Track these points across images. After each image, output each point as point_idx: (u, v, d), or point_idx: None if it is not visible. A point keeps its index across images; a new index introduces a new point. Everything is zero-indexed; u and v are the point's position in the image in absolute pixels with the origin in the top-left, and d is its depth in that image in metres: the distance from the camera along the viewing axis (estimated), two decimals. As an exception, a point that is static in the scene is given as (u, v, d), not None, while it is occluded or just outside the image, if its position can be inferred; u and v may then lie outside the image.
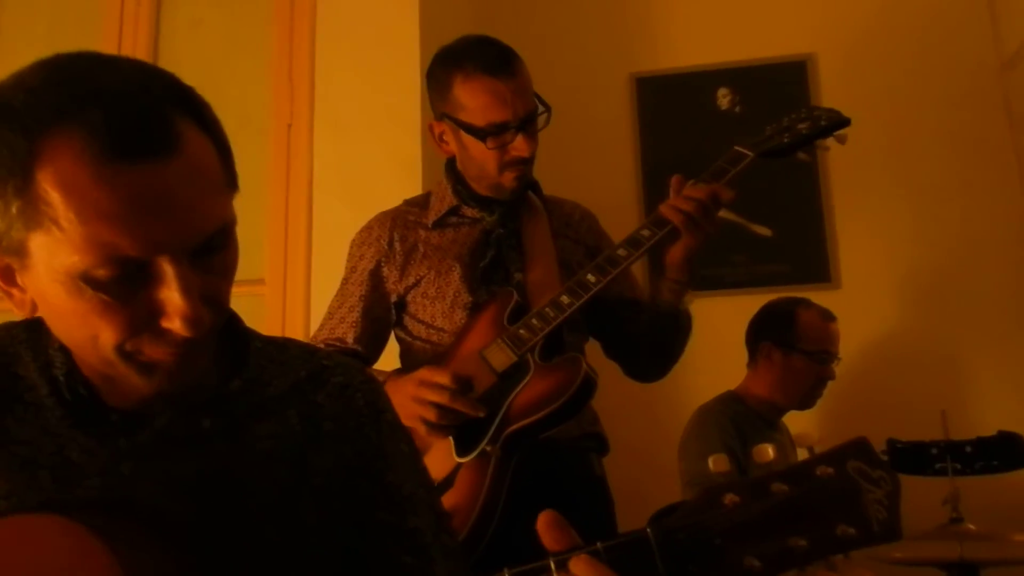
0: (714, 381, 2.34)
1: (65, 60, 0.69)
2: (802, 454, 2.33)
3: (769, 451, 0.68)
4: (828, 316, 2.29)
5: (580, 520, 0.72)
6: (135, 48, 2.39)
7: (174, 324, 0.68)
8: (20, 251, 0.68)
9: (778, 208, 2.76)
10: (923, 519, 2.00)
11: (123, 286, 0.67)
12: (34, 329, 0.81)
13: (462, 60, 1.58)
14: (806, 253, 2.76)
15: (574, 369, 1.42)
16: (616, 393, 1.77)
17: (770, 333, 2.28)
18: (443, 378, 1.42)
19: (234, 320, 0.85)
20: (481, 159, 1.59)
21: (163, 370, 0.71)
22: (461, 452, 1.42)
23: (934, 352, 2.64)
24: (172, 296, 0.68)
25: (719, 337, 2.39)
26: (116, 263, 0.66)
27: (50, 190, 0.64)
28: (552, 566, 0.65)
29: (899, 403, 2.52)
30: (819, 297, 2.36)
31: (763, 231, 2.77)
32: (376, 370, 1.59)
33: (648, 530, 0.64)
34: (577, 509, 0.80)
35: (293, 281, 2.25)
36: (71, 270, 0.66)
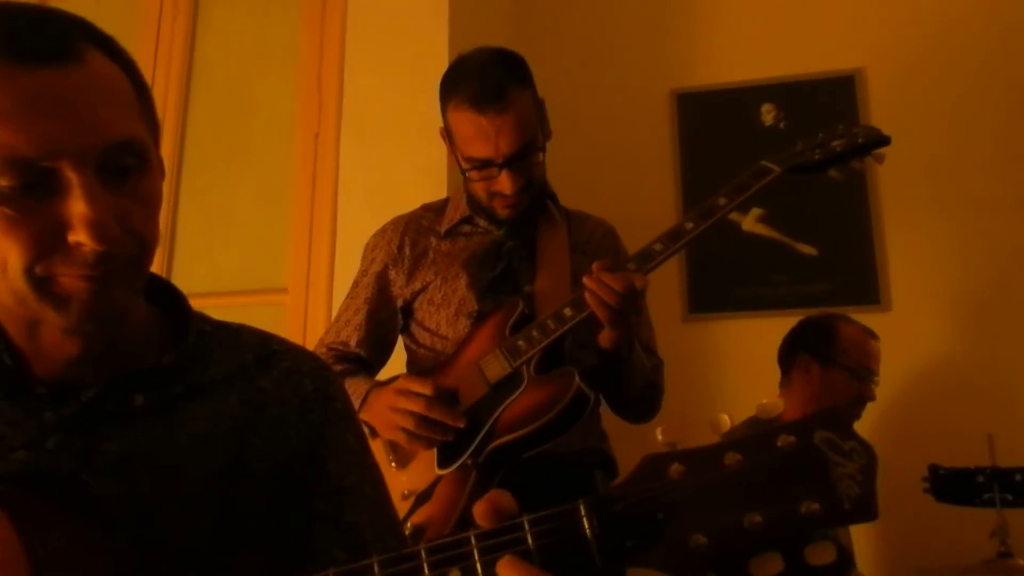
0: (752, 405, 2.21)
1: None
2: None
3: (726, 420, 0.60)
4: (871, 333, 2.17)
5: None
6: (171, 55, 2.44)
7: (80, 235, 0.65)
8: None
9: (822, 226, 2.63)
10: (968, 553, 1.85)
11: (26, 196, 0.65)
12: None
13: (457, 84, 1.51)
14: (852, 273, 2.61)
15: (565, 383, 1.35)
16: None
17: (809, 346, 2.16)
18: (421, 387, 1.37)
19: (179, 299, 0.84)
20: (470, 185, 1.55)
21: (78, 302, 0.68)
22: (442, 464, 1.37)
23: (981, 374, 2.46)
24: (76, 204, 0.65)
25: (757, 360, 2.29)
26: (16, 167, 0.64)
27: None
28: (473, 540, 0.58)
29: (943, 427, 2.36)
30: (867, 319, 2.24)
31: (807, 250, 2.64)
32: (361, 380, 1.53)
33: (580, 501, 0.57)
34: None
35: (315, 291, 2.23)
36: None
